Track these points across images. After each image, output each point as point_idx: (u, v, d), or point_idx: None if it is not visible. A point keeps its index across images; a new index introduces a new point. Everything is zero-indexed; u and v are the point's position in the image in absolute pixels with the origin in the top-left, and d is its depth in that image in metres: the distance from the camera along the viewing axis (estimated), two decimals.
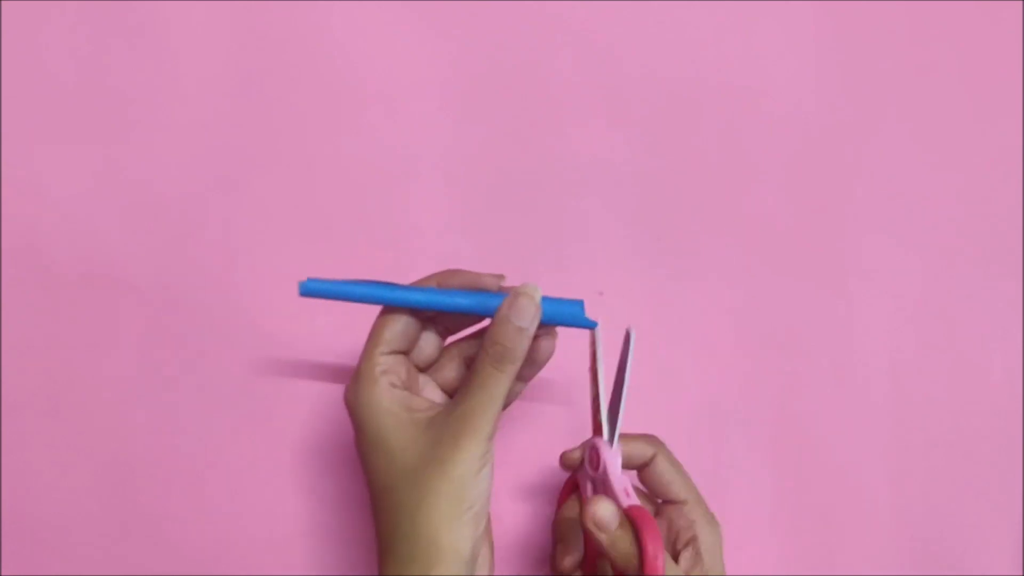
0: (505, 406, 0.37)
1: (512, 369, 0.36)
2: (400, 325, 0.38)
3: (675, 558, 0.39)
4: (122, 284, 0.47)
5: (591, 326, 0.39)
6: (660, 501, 0.42)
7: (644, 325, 0.48)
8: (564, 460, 0.41)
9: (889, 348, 0.49)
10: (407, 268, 0.47)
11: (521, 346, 0.36)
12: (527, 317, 0.36)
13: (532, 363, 0.39)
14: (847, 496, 0.48)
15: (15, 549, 0.45)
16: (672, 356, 0.48)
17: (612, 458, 0.39)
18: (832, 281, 0.49)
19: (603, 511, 0.37)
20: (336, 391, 0.47)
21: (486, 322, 0.40)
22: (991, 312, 0.50)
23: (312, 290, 0.37)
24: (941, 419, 0.49)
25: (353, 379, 0.37)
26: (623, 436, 0.40)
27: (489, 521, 0.36)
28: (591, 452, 0.40)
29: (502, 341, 0.36)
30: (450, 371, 0.40)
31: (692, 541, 0.40)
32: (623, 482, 0.38)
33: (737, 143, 0.50)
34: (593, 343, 0.40)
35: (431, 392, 0.40)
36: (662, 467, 0.41)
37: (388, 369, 0.37)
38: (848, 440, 0.48)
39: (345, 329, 0.44)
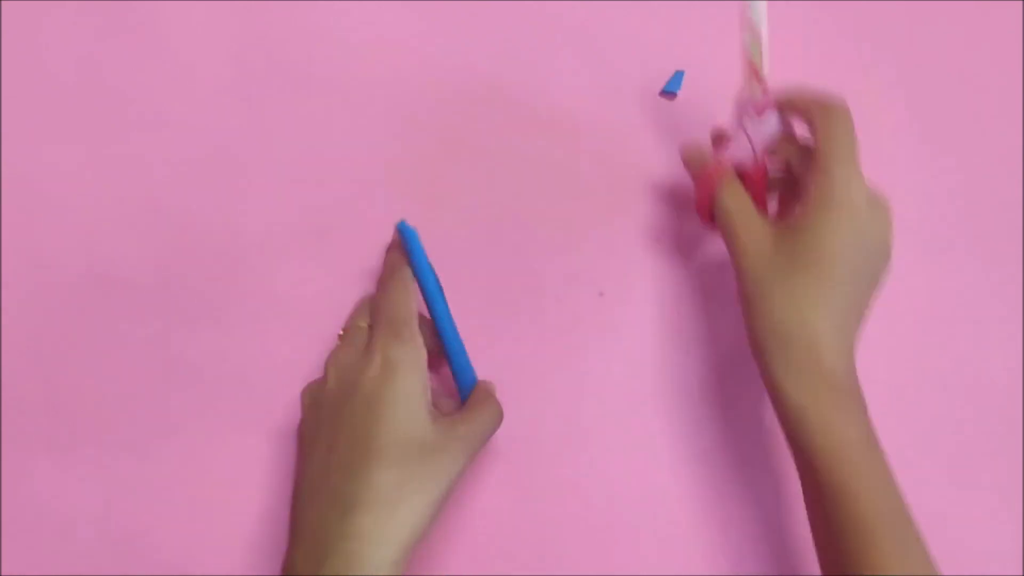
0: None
1: None
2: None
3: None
4: (122, 284, 0.47)
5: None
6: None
7: (643, 325, 0.48)
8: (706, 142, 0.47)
9: (889, 348, 0.49)
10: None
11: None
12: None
13: None
14: None
15: (15, 549, 0.45)
16: (672, 355, 0.48)
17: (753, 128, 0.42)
18: None
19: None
20: None
21: None
22: (991, 312, 0.50)
23: (405, 234, 0.44)
24: (941, 418, 0.49)
25: (399, 335, 0.40)
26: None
27: None
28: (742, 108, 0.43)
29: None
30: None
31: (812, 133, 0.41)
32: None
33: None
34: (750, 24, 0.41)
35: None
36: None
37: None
38: None
39: None
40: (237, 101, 0.48)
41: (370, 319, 0.42)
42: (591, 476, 0.46)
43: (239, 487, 0.46)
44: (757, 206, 0.43)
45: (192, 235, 0.47)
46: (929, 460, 0.48)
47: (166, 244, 0.47)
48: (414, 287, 0.42)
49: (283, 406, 0.46)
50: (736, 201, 0.42)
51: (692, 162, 0.45)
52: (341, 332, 0.43)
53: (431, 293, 0.43)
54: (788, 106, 0.43)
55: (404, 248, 0.44)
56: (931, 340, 0.49)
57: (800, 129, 0.44)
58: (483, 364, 0.45)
